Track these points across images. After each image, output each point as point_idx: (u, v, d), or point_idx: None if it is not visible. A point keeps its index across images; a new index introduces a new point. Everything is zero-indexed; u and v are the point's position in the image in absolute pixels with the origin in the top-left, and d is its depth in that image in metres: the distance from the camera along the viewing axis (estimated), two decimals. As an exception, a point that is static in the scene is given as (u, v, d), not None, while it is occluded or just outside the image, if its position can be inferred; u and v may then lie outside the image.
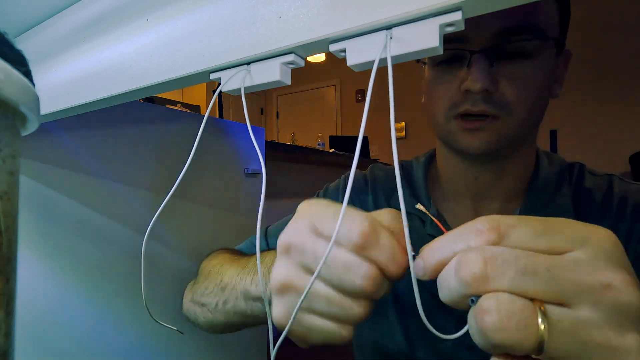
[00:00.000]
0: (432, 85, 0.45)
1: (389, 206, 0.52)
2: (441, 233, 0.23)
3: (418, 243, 0.56)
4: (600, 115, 3.01)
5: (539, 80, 0.40)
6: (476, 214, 0.48)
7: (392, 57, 0.20)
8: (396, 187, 0.64)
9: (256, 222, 0.22)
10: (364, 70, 0.23)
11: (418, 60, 0.47)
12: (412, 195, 0.52)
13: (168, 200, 0.26)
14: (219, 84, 0.27)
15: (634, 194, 0.44)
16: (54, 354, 0.54)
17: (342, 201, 0.22)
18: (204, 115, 0.27)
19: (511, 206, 0.47)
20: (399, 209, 0.55)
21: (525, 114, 0.40)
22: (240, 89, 0.26)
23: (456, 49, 0.40)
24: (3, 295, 0.12)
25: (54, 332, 0.54)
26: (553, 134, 2.39)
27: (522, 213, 0.45)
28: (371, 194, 0.55)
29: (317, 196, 0.60)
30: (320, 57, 4.06)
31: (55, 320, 0.55)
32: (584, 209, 0.44)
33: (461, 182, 0.48)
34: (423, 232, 0.49)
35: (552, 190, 0.45)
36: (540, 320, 0.16)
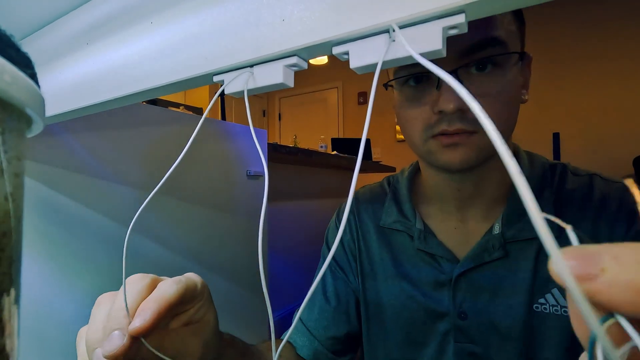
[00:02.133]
0: (404, 108, 0.45)
1: (377, 225, 0.54)
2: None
3: (407, 258, 0.56)
4: (604, 118, 2.99)
5: (508, 90, 0.41)
6: (462, 223, 0.49)
7: (395, 60, 0.20)
8: (380, 204, 0.68)
9: (258, 224, 0.22)
10: (366, 73, 0.23)
11: (385, 84, 0.47)
12: (398, 210, 0.53)
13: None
14: (222, 85, 0.27)
15: (614, 192, 0.44)
16: (55, 353, 0.54)
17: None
18: (206, 118, 0.27)
19: (494, 211, 0.48)
20: (386, 227, 0.56)
21: (502, 125, 0.41)
22: (243, 91, 0.26)
23: (424, 72, 0.41)
24: (8, 296, 0.12)
25: (56, 332, 0.54)
26: (556, 137, 2.38)
27: (505, 217, 0.46)
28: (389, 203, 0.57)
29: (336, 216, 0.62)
30: (322, 60, 4.06)
31: (58, 321, 0.55)
32: (564, 210, 0.44)
33: (445, 194, 0.49)
34: (412, 246, 0.49)
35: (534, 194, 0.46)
36: None
